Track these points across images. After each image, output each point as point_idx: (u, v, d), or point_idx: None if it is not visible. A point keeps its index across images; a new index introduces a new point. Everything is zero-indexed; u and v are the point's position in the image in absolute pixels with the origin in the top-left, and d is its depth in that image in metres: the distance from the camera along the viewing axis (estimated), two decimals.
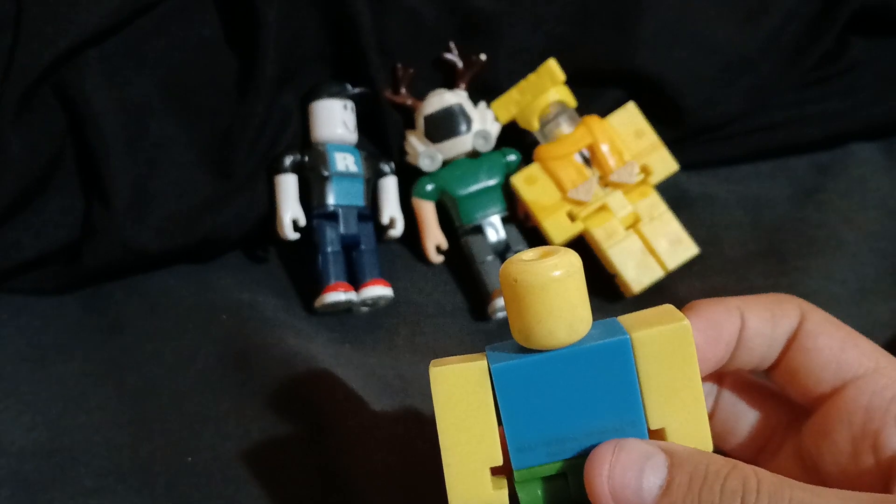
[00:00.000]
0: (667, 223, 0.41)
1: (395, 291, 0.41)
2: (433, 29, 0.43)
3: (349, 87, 0.43)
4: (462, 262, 0.43)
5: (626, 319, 0.23)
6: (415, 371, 0.38)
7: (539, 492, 0.23)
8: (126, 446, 0.36)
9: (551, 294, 0.20)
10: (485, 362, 0.22)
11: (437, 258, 0.43)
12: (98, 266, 0.40)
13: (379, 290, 0.40)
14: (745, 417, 0.27)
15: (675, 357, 0.21)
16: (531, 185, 0.42)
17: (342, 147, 0.42)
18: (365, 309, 0.41)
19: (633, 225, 0.41)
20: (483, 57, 0.43)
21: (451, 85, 0.44)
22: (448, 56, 0.44)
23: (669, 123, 0.45)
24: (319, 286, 0.40)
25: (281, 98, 0.42)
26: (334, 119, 0.42)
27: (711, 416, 0.25)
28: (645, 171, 0.42)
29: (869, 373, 0.23)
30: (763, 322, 0.24)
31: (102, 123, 0.39)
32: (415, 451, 0.34)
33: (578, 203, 0.41)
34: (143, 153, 0.40)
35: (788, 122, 0.47)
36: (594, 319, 0.22)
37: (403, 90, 0.44)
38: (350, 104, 0.43)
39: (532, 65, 0.42)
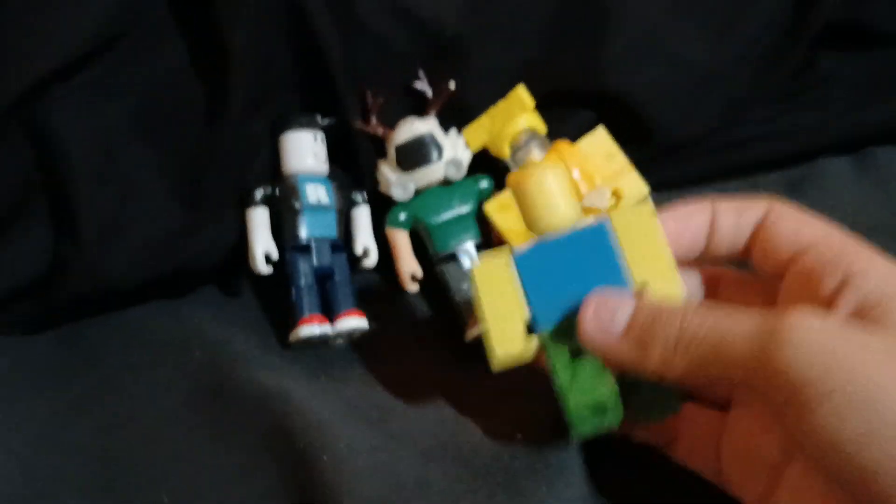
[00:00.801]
0: None
1: (370, 321, 0.41)
2: (402, 54, 0.43)
3: (319, 117, 0.43)
4: (438, 290, 0.43)
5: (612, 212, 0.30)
6: (393, 401, 0.38)
7: (560, 344, 0.29)
8: (100, 484, 0.36)
9: (546, 189, 0.29)
10: (509, 254, 0.30)
11: (413, 287, 0.43)
12: (69, 300, 0.40)
13: (354, 322, 0.40)
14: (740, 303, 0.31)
15: (642, 228, 0.28)
16: (504, 212, 0.42)
17: (313, 178, 0.42)
18: (340, 341, 0.41)
19: None
20: (452, 85, 0.43)
21: (421, 113, 0.44)
22: (418, 85, 0.44)
23: (641, 142, 0.45)
24: (293, 319, 0.40)
25: (250, 127, 0.42)
26: (305, 151, 0.42)
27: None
28: (616, 194, 0.42)
29: (816, 243, 0.27)
30: (730, 213, 0.30)
31: (71, 156, 0.39)
32: (398, 476, 0.34)
33: None
34: (114, 185, 0.40)
35: (759, 137, 0.47)
36: None
37: (374, 119, 0.44)
38: (320, 135, 0.43)
39: (503, 86, 0.42)
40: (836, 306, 0.25)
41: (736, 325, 0.25)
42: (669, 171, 0.47)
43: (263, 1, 0.39)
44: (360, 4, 0.42)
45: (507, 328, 0.29)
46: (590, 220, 0.29)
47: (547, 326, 0.29)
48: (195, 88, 0.42)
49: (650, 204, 0.29)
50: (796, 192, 0.46)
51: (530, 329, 0.29)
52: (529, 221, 0.30)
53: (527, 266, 0.29)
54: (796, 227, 0.28)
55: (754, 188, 0.47)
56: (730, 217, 0.30)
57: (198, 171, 0.41)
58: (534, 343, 0.29)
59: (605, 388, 0.28)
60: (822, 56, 0.49)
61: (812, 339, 0.23)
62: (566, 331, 0.29)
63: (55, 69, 0.38)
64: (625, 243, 0.28)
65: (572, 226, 0.29)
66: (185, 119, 0.42)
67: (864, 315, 0.25)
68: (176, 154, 0.42)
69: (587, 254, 0.29)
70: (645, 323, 0.27)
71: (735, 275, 0.32)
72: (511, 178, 0.40)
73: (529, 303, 0.29)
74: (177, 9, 0.41)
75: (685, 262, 0.31)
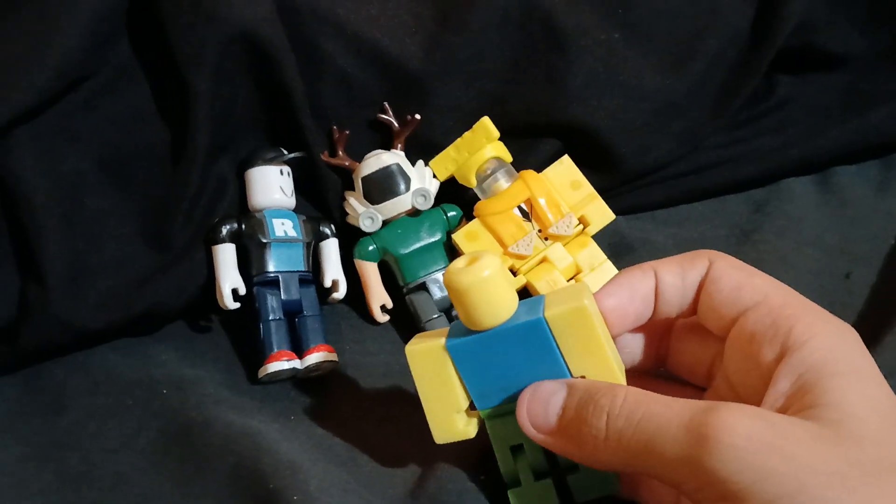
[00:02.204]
0: (607, 272, 0.41)
1: (341, 354, 0.41)
2: (366, 91, 0.44)
3: (285, 151, 0.43)
4: (408, 320, 0.43)
5: (549, 296, 0.29)
6: (364, 439, 0.37)
7: (501, 424, 0.30)
8: None
9: (483, 290, 0.27)
10: (444, 340, 0.29)
11: (383, 318, 0.43)
12: (36, 346, 0.39)
13: (323, 356, 0.40)
14: (690, 354, 0.31)
15: (578, 326, 0.28)
16: (472, 241, 0.42)
17: (280, 213, 0.42)
18: (310, 375, 0.40)
19: (575, 276, 0.41)
20: (418, 116, 0.44)
21: (388, 145, 0.44)
22: (383, 117, 0.44)
23: (605, 171, 0.45)
24: (262, 355, 0.39)
25: (216, 166, 0.42)
26: (271, 185, 0.42)
27: (667, 357, 0.32)
28: (583, 222, 0.42)
29: (756, 304, 0.27)
30: (673, 275, 0.29)
31: (35, 201, 0.39)
32: None
33: (520, 257, 0.41)
34: (79, 228, 0.40)
35: (721, 162, 0.48)
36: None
37: (341, 152, 0.44)
38: (287, 169, 0.43)
39: (466, 121, 0.43)
40: (775, 382, 0.25)
41: (665, 424, 0.24)
42: (635, 197, 0.47)
43: (226, 42, 0.40)
44: (324, 43, 0.43)
45: (444, 412, 0.30)
46: (523, 312, 0.29)
47: (485, 411, 0.30)
48: (160, 131, 0.42)
49: (588, 296, 0.28)
50: (761, 213, 0.47)
51: (474, 406, 0.30)
52: (466, 319, 0.28)
53: (463, 354, 0.29)
54: (737, 285, 0.28)
55: (720, 211, 0.47)
56: (673, 279, 0.29)
57: (165, 213, 0.41)
58: (474, 423, 0.30)
59: (543, 494, 0.30)
60: (780, 80, 0.50)
61: (743, 445, 0.22)
62: (506, 418, 0.30)
63: (18, 114, 0.38)
64: (561, 341, 0.28)
65: (509, 317, 0.28)
66: (151, 161, 0.42)
67: (800, 397, 0.24)
68: (142, 197, 0.42)
69: (526, 346, 0.28)
70: (575, 413, 0.26)
71: (687, 319, 0.32)
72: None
73: (468, 388, 0.29)
74: (139, 52, 0.41)
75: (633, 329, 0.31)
